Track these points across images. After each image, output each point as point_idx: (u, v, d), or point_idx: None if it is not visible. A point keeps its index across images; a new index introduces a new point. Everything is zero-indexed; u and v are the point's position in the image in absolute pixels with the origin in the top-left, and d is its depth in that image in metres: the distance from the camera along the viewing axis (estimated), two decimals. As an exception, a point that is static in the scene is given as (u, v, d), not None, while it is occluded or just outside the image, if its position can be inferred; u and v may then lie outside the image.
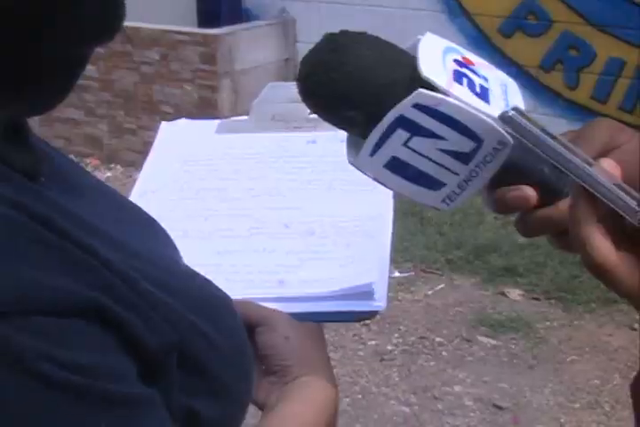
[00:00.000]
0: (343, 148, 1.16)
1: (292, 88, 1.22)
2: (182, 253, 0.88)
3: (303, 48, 5.43)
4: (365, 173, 0.75)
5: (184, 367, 0.72)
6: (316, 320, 0.98)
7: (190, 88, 5.15)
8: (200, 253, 1.02)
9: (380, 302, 0.97)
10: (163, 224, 0.89)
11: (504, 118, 0.69)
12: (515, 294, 3.92)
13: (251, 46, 5.26)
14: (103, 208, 0.79)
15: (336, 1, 5.33)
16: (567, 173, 0.67)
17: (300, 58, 5.80)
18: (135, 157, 5.20)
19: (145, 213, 0.89)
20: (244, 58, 5.20)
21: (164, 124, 1.25)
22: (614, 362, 3.44)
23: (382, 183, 0.75)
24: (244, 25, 5.41)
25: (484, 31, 5.02)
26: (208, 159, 1.18)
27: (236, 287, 0.98)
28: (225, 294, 0.84)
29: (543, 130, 0.68)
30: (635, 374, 0.72)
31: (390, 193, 1.07)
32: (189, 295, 0.76)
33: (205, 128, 1.23)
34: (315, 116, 1.22)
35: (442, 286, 4.01)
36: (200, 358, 0.74)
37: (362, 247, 1.04)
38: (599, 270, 0.66)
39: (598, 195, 0.65)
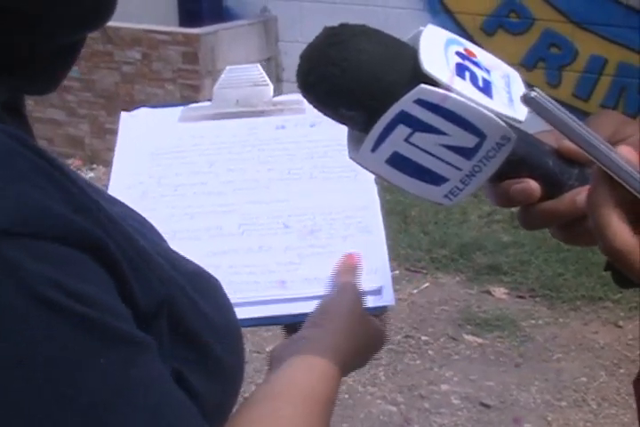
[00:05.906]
0: (313, 132, 1.15)
1: (251, 71, 1.21)
2: None
3: (285, 47, 5.42)
4: (367, 169, 0.73)
5: (173, 329, 0.71)
6: None
7: (172, 88, 5.13)
8: (194, 255, 1.01)
9: (388, 297, 0.97)
10: None
11: (527, 99, 0.66)
12: (500, 292, 3.91)
13: (232, 45, 5.24)
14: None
15: None
16: (589, 156, 0.65)
17: (281, 57, 5.78)
18: (117, 158, 5.16)
19: (132, 209, 0.88)
20: (225, 57, 5.18)
21: (123, 114, 1.20)
22: (600, 359, 3.43)
23: (384, 178, 0.74)
24: (226, 24, 5.39)
25: (466, 29, 5.01)
26: (178, 151, 1.15)
27: (241, 289, 0.97)
28: (215, 278, 0.83)
29: (565, 112, 0.66)
30: (624, 371, 0.72)
31: (372, 179, 1.06)
32: (183, 268, 0.76)
33: (168, 116, 1.20)
34: (280, 99, 1.21)
35: (426, 284, 4.01)
36: (190, 323, 0.73)
37: (360, 242, 1.03)
38: (617, 254, 0.65)
39: (620, 180, 0.64)
